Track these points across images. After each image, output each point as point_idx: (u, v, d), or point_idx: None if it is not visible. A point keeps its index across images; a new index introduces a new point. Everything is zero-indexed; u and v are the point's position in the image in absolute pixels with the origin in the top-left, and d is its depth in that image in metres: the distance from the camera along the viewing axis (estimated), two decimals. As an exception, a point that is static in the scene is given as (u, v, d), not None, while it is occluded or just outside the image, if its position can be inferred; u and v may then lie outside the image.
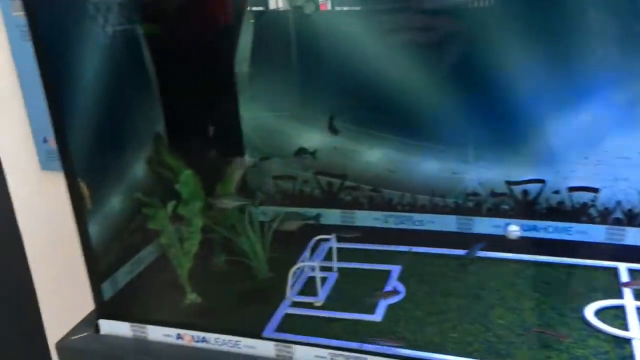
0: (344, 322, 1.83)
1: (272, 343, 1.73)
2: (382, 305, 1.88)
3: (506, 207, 2.03)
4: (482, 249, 2.03)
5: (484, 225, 2.06)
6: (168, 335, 1.77)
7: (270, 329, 1.81)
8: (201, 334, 1.75)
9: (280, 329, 1.82)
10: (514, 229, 1.93)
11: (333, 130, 2.06)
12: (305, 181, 2.20)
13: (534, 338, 1.70)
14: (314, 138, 2.14)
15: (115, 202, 1.86)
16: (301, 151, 2.14)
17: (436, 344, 1.71)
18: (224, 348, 1.78)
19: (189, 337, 1.80)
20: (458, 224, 2.10)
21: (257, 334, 1.77)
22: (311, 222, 2.26)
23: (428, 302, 1.89)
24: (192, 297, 1.91)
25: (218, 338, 1.75)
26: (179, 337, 1.77)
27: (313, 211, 2.28)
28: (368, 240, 2.14)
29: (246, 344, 1.73)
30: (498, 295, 1.91)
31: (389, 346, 1.64)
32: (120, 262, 1.90)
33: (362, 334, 1.76)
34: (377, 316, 1.84)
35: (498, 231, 2.07)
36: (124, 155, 1.92)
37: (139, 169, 1.96)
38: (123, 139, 1.91)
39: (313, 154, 2.17)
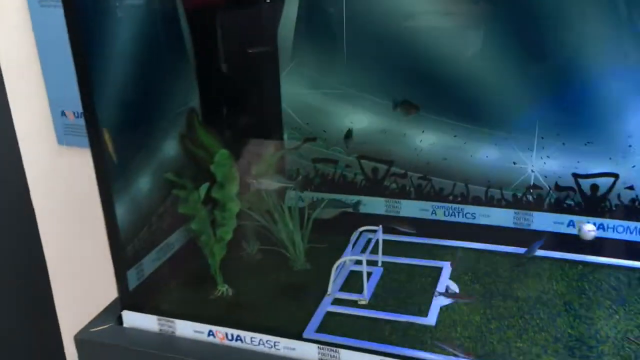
0: (393, 324, 1.65)
1: (315, 345, 1.55)
2: (435, 307, 1.70)
3: (571, 202, 1.84)
4: (541, 248, 1.85)
5: (544, 221, 1.88)
6: (199, 332, 1.60)
7: (311, 328, 1.64)
8: (235, 332, 1.57)
9: (322, 329, 1.64)
10: (590, 229, 1.73)
11: (408, 106, 1.85)
12: (347, 165, 1.99)
13: (612, 350, 1.51)
14: (361, 119, 1.95)
15: (143, 182, 1.69)
16: (348, 134, 1.94)
17: (500, 355, 1.52)
18: (261, 349, 1.60)
19: (221, 335, 1.63)
20: (515, 219, 1.91)
21: (298, 335, 1.59)
22: (350, 210, 2.07)
23: (486, 305, 1.70)
24: (223, 289, 1.74)
25: (254, 337, 1.57)
26: (210, 334, 1.59)
27: (354, 198, 2.09)
28: (414, 233, 1.97)
29: (286, 345, 1.55)
30: (563, 300, 1.72)
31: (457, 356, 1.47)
32: (147, 248, 1.73)
33: (414, 339, 1.58)
34: (430, 319, 1.65)
35: (560, 229, 1.88)
36: (155, 131, 1.76)
37: (170, 147, 1.80)
38: (154, 114, 1.76)
39: (349, 134, 1.96)
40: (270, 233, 1.86)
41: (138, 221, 1.68)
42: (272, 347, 1.57)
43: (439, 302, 1.72)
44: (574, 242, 1.84)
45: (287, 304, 1.72)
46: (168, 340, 1.63)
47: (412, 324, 1.64)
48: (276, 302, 1.73)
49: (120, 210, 1.60)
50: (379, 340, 1.57)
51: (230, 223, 1.72)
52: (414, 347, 1.54)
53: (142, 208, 1.69)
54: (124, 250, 1.64)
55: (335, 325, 1.62)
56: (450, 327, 1.63)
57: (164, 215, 1.77)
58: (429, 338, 1.59)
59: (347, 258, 1.83)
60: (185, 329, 1.63)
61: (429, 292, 1.77)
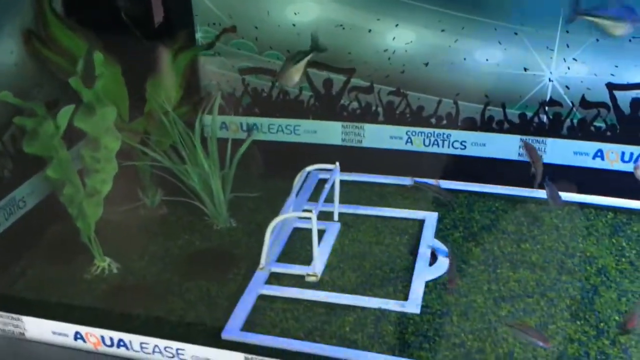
0: (357, 313, 1.18)
1: (241, 355, 1.04)
2: (418, 283, 1.18)
3: (602, 125, 1.43)
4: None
5: (560, 150, 1.47)
6: (61, 334, 1.14)
7: (234, 325, 1.15)
8: (118, 335, 1.12)
9: (251, 324, 1.16)
10: (650, 167, 1.21)
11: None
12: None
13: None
14: (310, 8, 1.46)
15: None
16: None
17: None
18: (157, 358, 1.05)
19: (96, 339, 1.10)
20: (522, 148, 1.50)
21: (214, 335, 1.12)
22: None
23: (490, 278, 1.20)
24: (104, 264, 1.32)
25: (146, 343, 1.11)
26: (79, 336, 1.14)
27: (293, 122, 1.54)
28: (381, 169, 1.58)
29: (195, 355, 1.07)
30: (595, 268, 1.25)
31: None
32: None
33: (392, 337, 1.08)
34: (413, 305, 1.15)
35: (584, 162, 1.46)
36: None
37: (5, 51, 1.28)
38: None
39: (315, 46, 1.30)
40: (177, 178, 1.39)
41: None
42: (173, 356, 1.06)
43: (422, 274, 1.18)
44: (608, 181, 1.43)
45: (201, 284, 1.29)
46: (14, 346, 1.16)
47: (385, 313, 1.12)
48: (184, 282, 1.29)
49: None
50: (338, 340, 1.10)
51: (108, 168, 1.28)
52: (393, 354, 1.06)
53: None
54: None
55: (272, 318, 1.17)
56: (442, 316, 1.12)
57: (2, 158, 1.28)
58: (414, 335, 1.07)
59: (288, 216, 1.26)
60: (41, 329, 1.16)
61: (407, 258, 1.27)
